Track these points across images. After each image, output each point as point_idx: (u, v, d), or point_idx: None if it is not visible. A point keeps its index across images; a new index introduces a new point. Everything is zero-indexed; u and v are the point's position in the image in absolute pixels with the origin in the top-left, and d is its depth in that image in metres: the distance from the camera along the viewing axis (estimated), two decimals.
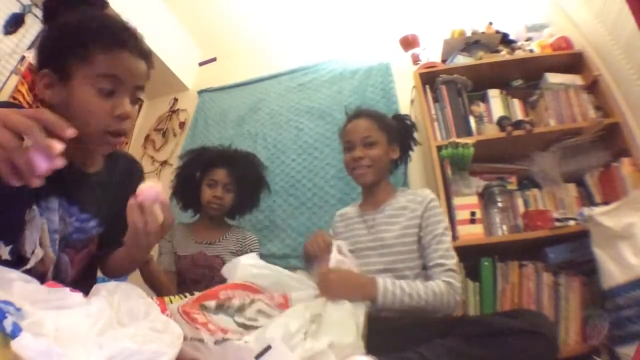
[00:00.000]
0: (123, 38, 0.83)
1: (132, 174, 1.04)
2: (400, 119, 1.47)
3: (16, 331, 0.40)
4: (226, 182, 1.74)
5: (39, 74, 0.82)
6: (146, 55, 0.88)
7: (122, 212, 0.80)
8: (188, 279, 1.64)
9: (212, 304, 0.77)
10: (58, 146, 0.53)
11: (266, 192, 1.92)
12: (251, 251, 1.69)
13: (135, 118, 0.94)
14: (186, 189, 1.83)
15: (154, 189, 0.74)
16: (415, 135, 1.48)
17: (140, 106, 2.92)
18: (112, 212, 0.96)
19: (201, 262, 1.66)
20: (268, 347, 0.62)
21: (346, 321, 0.79)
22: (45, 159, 0.53)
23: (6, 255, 0.77)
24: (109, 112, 0.80)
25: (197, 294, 1.30)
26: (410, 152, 1.48)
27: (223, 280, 1.57)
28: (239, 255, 1.59)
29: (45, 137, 0.53)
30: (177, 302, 1.17)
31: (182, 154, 1.97)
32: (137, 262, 1.04)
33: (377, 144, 1.29)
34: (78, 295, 0.54)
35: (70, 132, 0.56)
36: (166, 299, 1.18)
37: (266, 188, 1.90)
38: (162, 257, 1.71)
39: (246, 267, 0.95)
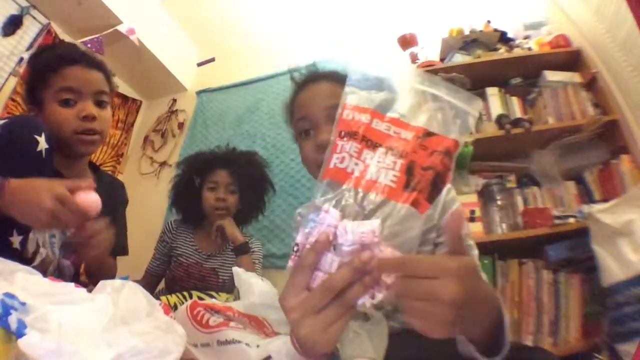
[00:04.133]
0: (70, 56, 1.00)
1: (116, 188, 1.21)
2: None
3: (21, 328, 0.39)
4: (228, 183, 1.63)
5: (27, 109, 1.04)
6: (98, 65, 1.04)
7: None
8: (179, 286, 1.59)
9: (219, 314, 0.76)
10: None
11: (271, 192, 1.80)
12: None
13: (109, 121, 1.07)
14: (185, 198, 1.71)
15: (96, 201, 0.83)
16: None
17: (139, 107, 2.92)
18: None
19: (195, 274, 1.61)
20: (268, 357, 0.62)
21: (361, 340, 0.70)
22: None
23: (17, 244, 0.87)
24: (74, 117, 0.97)
25: (194, 293, 1.30)
26: None
27: (214, 291, 1.56)
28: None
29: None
30: (174, 301, 1.18)
31: (177, 162, 1.88)
32: (104, 266, 1.14)
33: None
34: (82, 291, 0.55)
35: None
36: (163, 298, 1.19)
37: (271, 187, 1.79)
38: (152, 259, 1.69)
39: (262, 304, 0.83)
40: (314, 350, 0.46)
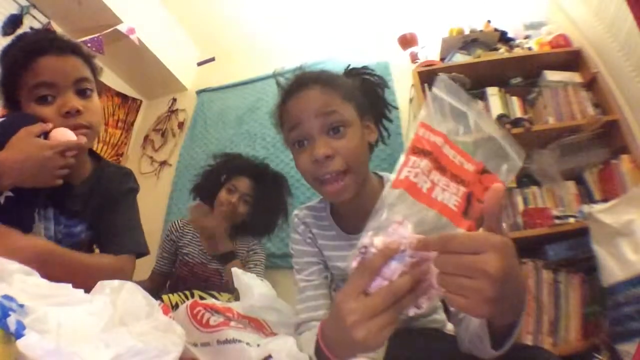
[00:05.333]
0: (37, 45, 0.88)
1: (118, 178, 1.09)
2: (357, 74, 0.95)
3: (20, 330, 0.39)
4: (245, 193, 1.67)
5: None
6: (72, 49, 0.92)
7: (108, 215, 0.99)
8: (183, 285, 1.61)
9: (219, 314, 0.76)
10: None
11: (282, 220, 1.80)
12: (255, 265, 1.66)
13: (98, 110, 0.95)
14: (207, 187, 1.76)
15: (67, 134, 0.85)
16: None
17: (139, 106, 2.92)
18: (99, 216, 1.01)
19: (199, 274, 1.63)
20: (269, 357, 0.62)
21: None
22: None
23: None
24: (55, 114, 0.86)
25: (196, 292, 1.30)
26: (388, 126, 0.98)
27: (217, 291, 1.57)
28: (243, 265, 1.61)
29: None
30: (175, 300, 1.17)
31: (217, 154, 1.90)
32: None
33: (347, 126, 0.78)
34: (80, 292, 0.54)
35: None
36: (165, 297, 1.19)
37: (284, 215, 1.79)
38: (159, 258, 1.71)
39: (261, 306, 0.84)
40: (363, 350, 0.49)
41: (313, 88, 0.80)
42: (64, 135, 0.83)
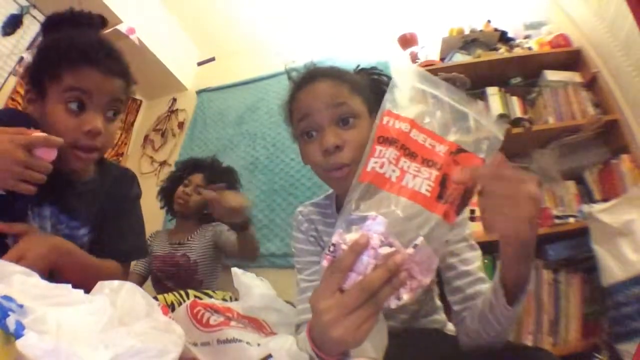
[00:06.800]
0: (92, 55, 0.83)
1: (123, 181, 1.06)
2: (368, 73, 0.96)
3: (19, 330, 0.39)
4: (199, 184, 1.84)
5: (24, 89, 0.88)
6: (121, 73, 0.88)
7: (112, 220, 0.94)
8: (160, 276, 1.79)
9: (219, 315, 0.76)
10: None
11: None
12: (227, 239, 1.74)
13: (114, 135, 0.92)
14: (169, 189, 1.97)
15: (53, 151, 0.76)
16: None
17: (139, 106, 2.92)
18: (101, 219, 0.98)
19: (169, 261, 1.78)
20: (269, 356, 0.62)
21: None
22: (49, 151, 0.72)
23: (12, 246, 0.81)
24: (76, 128, 0.81)
25: (191, 292, 1.30)
26: None
27: (189, 276, 1.70)
28: (212, 246, 1.78)
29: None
30: (171, 299, 1.17)
31: (176, 162, 2.10)
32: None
33: (356, 118, 0.79)
34: (79, 292, 0.54)
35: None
36: (160, 297, 1.18)
37: None
38: (136, 262, 1.84)
39: (261, 307, 0.84)
40: (343, 348, 0.49)
41: (323, 80, 0.82)
42: (45, 152, 0.75)
